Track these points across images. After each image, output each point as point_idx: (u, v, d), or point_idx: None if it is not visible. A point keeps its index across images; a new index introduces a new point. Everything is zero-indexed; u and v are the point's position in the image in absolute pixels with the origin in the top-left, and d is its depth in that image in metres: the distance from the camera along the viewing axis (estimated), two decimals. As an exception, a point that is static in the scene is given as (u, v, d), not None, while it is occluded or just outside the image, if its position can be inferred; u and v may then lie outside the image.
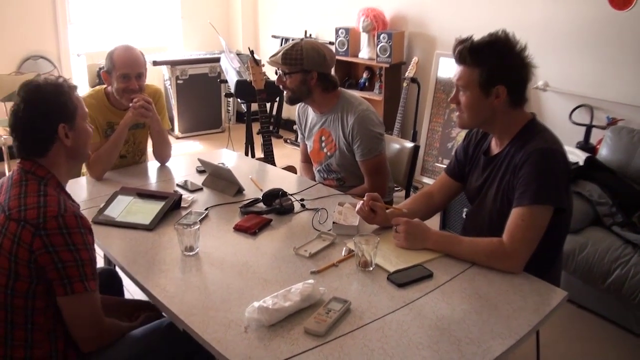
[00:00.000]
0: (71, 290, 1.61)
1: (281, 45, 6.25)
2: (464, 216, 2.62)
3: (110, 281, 2.27)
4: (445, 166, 2.33)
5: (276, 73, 2.81)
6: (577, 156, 3.37)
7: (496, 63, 1.89)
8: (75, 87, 1.84)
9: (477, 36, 1.93)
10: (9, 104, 5.34)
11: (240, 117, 6.86)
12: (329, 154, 2.83)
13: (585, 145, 3.72)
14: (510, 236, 1.83)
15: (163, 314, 2.01)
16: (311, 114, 2.92)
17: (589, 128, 3.78)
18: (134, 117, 2.71)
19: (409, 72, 4.76)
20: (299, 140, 3.11)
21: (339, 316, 1.58)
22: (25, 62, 5.63)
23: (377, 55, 5.07)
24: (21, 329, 1.62)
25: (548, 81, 4.08)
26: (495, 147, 2.07)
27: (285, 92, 2.79)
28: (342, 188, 2.79)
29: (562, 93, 4.06)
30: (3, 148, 5.04)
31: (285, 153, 5.75)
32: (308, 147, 2.99)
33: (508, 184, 1.94)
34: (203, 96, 6.37)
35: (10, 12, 5.47)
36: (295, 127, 3.09)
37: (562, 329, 2.95)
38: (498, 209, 1.99)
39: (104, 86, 2.86)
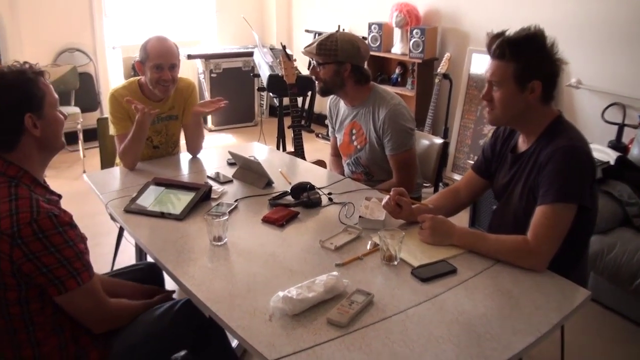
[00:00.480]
0: (64, 289, 1.61)
1: (314, 39, 6.28)
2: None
3: (152, 275, 2.27)
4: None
5: (309, 65, 2.84)
6: (608, 155, 3.34)
7: (533, 57, 1.89)
8: (41, 73, 1.73)
9: (511, 32, 1.93)
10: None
11: (272, 111, 6.91)
12: (359, 147, 2.85)
13: (617, 144, 3.67)
14: (534, 234, 1.84)
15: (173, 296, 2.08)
16: (342, 107, 2.95)
17: (621, 127, 3.73)
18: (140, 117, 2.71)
19: (441, 68, 4.74)
20: (329, 133, 3.14)
21: (362, 308, 1.61)
22: (61, 54, 5.74)
23: (410, 51, 5.06)
24: (23, 332, 1.64)
25: (581, 79, 4.02)
26: (522, 144, 2.07)
27: (317, 83, 2.82)
28: (370, 182, 2.82)
29: (595, 91, 4.01)
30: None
31: (317, 147, 5.79)
32: (338, 140, 3.01)
33: (534, 182, 1.94)
34: (236, 90, 6.43)
35: (47, 5, 5.58)
36: (327, 121, 3.12)
37: (588, 329, 2.94)
38: (524, 206, 1.99)
39: (138, 77, 2.92)
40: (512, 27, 1.96)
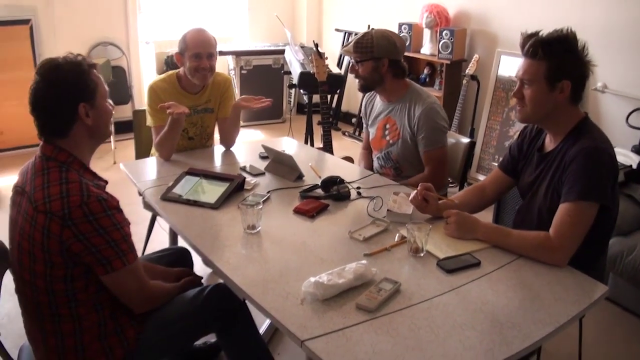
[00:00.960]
0: (111, 268, 1.70)
1: (344, 38, 6.36)
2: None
3: (182, 259, 2.38)
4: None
5: (339, 62, 2.94)
6: (630, 159, 3.38)
7: (565, 57, 1.95)
8: (94, 65, 1.84)
9: (544, 33, 2.00)
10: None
11: (300, 108, 7.00)
12: (391, 142, 2.93)
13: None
14: (557, 230, 1.91)
15: (202, 282, 2.17)
16: (378, 103, 3.03)
17: (644, 132, 3.77)
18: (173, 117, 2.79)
19: (469, 70, 4.79)
20: (363, 129, 3.21)
21: (389, 295, 1.69)
22: (95, 47, 5.86)
23: (439, 52, 5.12)
24: (66, 308, 1.73)
25: (606, 83, 4.06)
26: (549, 144, 2.13)
27: (358, 81, 2.90)
28: (398, 177, 2.90)
29: (620, 95, 4.03)
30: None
31: (343, 145, 5.86)
32: (370, 134, 3.09)
33: (558, 181, 2.00)
34: (266, 87, 6.52)
35: (82, 0, 5.72)
36: (353, 119, 3.20)
37: (606, 330, 2.98)
38: (548, 205, 2.06)
39: (177, 70, 3.04)
40: (541, 30, 2.03)
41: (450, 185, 3.14)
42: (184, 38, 2.93)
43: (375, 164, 3.07)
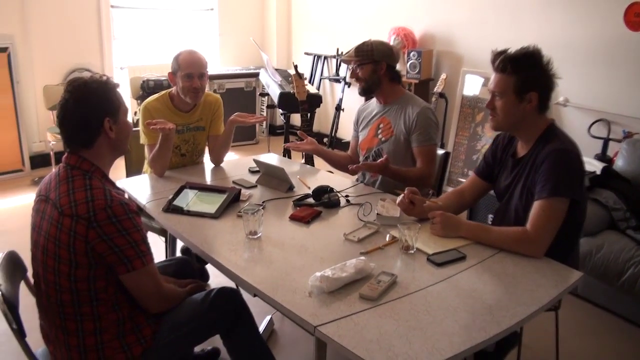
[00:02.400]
0: (132, 267, 1.84)
1: (313, 61, 6.59)
2: (489, 222, 2.88)
3: (183, 269, 2.50)
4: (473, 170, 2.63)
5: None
6: (594, 166, 3.64)
7: (531, 72, 2.19)
8: (118, 85, 2.02)
9: (512, 50, 2.23)
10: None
11: (272, 130, 7.18)
12: (383, 139, 3.09)
13: (602, 157, 3.97)
14: (533, 225, 2.12)
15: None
16: (372, 107, 3.21)
17: (606, 141, 4.03)
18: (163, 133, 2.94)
19: (438, 88, 5.03)
20: (352, 137, 3.38)
21: (388, 285, 1.87)
22: (71, 73, 5.98)
23: (407, 72, 5.38)
24: (88, 306, 1.86)
25: (568, 97, 4.35)
26: (521, 149, 2.35)
27: (358, 85, 3.10)
28: (386, 177, 3.06)
29: (582, 108, 4.33)
30: (51, 153, 5.41)
31: (321, 162, 6.00)
32: (361, 137, 3.25)
33: (532, 182, 2.22)
34: (239, 109, 6.57)
35: (58, 28, 5.85)
36: (325, 139, 3.37)
37: (579, 325, 3.21)
38: (523, 205, 2.27)
39: (169, 90, 3.20)
40: (510, 47, 2.26)
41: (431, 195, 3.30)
42: (177, 59, 3.09)
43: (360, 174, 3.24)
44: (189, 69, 3.05)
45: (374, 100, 3.21)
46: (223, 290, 2.15)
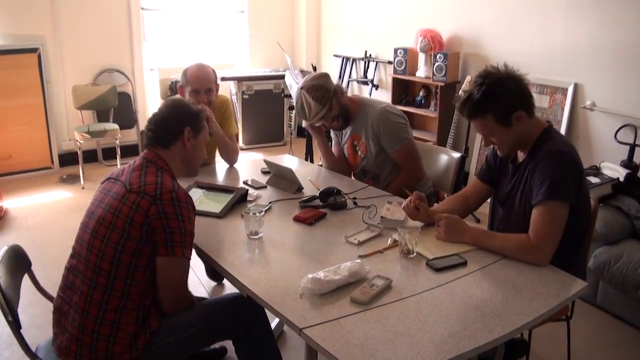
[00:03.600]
0: (172, 252, 1.92)
1: (342, 63, 6.56)
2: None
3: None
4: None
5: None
6: (618, 172, 3.53)
7: (502, 99, 2.11)
8: (208, 118, 2.41)
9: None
10: (86, 112, 5.86)
11: (301, 132, 7.18)
12: (362, 156, 3.09)
13: (628, 163, 3.84)
14: (533, 231, 2.06)
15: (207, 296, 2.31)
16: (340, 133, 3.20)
17: (632, 147, 3.90)
18: None
19: (462, 90, 4.96)
20: (334, 144, 3.36)
21: (381, 290, 1.84)
22: (100, 74, 6.09)
23: (433, 74, 5.31)
24: (121, 282, 1.91)
25: (595, 101, 4.22)
26: (520, 155, 2.29)
27: (336, 125, 3.07)
28: (378, 185, 3.06)
29: (608, 112, 4.19)
30: (79, 152, 5.51)
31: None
32: (345, 155, 3.26)
33: (529, 186, 2.16)
34: (267, 111, 6.74)
35: (89, 29, 5.95)
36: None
37: (596, 336, 3.10)
38: (523, 211, 2.20)
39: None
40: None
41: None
42: (185, 73, 3.16)
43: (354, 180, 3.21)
44: (196, 85, 3.12)
45: None
46: (240, 296, 2.14)
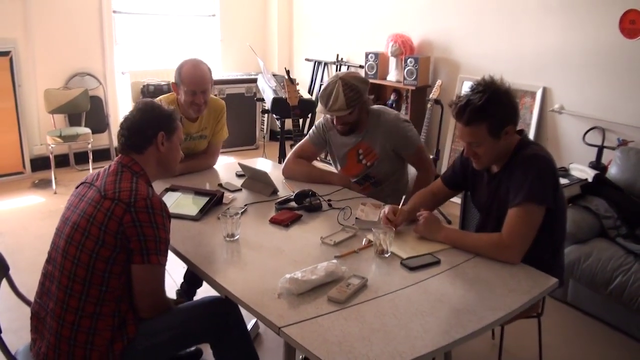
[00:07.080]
0: (147, 260, 1.91)
1: (314, 67, 6.60)
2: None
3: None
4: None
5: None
6: (586, 174, 3.62)
7: (499, 111, 2.16)
8: (181, 119, 2.28)
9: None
10: (58, 117, 5.80)
11: (273, 135, 7.20)
12: (368, 164, 3.07)
13: (596, 164, 3.94)
14: (507, 231, 2.12)
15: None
16: (342, 138, 3.09)
17: (600, 149, 4.01)
18: None
19: (433, 94, 5.02)
20: (311, 141, 3.21)
21: (357, 289, 1.87)
22: (72, 78, 6.02)
23: (404, 78, 5.38)
24: (96, 289, 1.90)
25: (563, 104, 4.32)
26: (494, 167, 2.34)
27: (341, 127, 2.98)
28: (378, 189, 3.09)
29: (577, 115, 4.30)
30: (51, 157, 5.45)
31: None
32: (339, 165, 3.20)
33: (507, 193, 2.22)
34: (239, 115, 6.72)
35: (61, 32, 5.88)
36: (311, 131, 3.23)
37: (567, 333, 3.18)
38: (500, 217, 2.24)
39: (176, 96, 3.17)
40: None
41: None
42: (180, 71, 3.06)
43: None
44: (192, 87, 3.03)
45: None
46: (216, 299, 2.16)
